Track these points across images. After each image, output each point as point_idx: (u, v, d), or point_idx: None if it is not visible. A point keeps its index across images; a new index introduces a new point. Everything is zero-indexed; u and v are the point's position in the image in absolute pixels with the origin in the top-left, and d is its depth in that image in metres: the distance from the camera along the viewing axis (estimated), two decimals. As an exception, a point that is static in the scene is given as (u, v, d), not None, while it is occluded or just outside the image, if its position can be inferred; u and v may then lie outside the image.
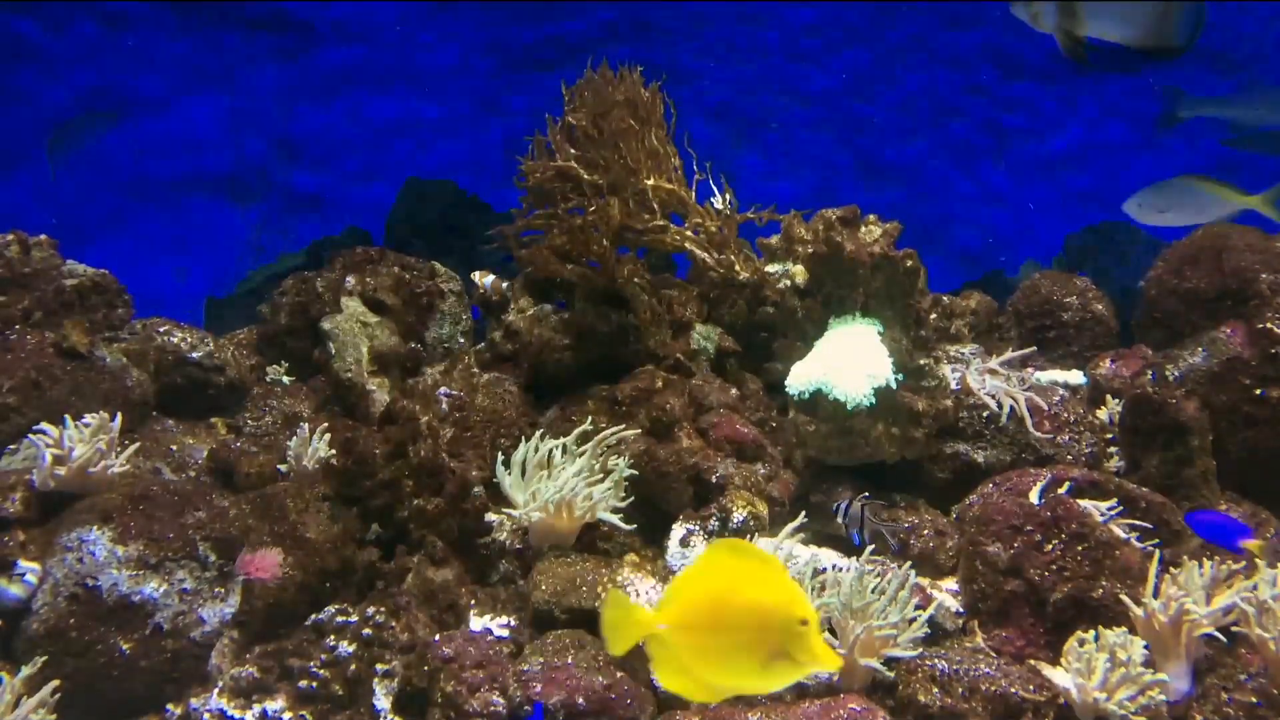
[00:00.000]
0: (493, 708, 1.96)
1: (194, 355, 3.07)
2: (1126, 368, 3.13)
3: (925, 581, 2.47)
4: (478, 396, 2.81)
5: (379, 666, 2.11)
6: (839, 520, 2.49)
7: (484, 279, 3.20)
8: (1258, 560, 2.24)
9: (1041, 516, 2.29)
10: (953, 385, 2.83)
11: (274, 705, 2.03)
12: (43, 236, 3.09)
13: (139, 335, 3.06)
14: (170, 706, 2.14)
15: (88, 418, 2.45)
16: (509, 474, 2.46)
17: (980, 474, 2.73)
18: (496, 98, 8.12)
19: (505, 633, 2.24)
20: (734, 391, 2.95)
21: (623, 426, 2.58)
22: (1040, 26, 2.63)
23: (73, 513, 2.27)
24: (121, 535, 2.19)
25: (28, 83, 7.47)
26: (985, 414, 2.78)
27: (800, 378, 2.70)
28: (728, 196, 3.09)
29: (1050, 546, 2.24)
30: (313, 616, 2.18)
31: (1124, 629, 2.08)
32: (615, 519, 2.42)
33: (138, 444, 2.58)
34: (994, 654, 2.19)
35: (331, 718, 2.04)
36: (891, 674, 2.09)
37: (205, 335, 3.17)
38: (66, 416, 2.44)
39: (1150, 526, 2.43)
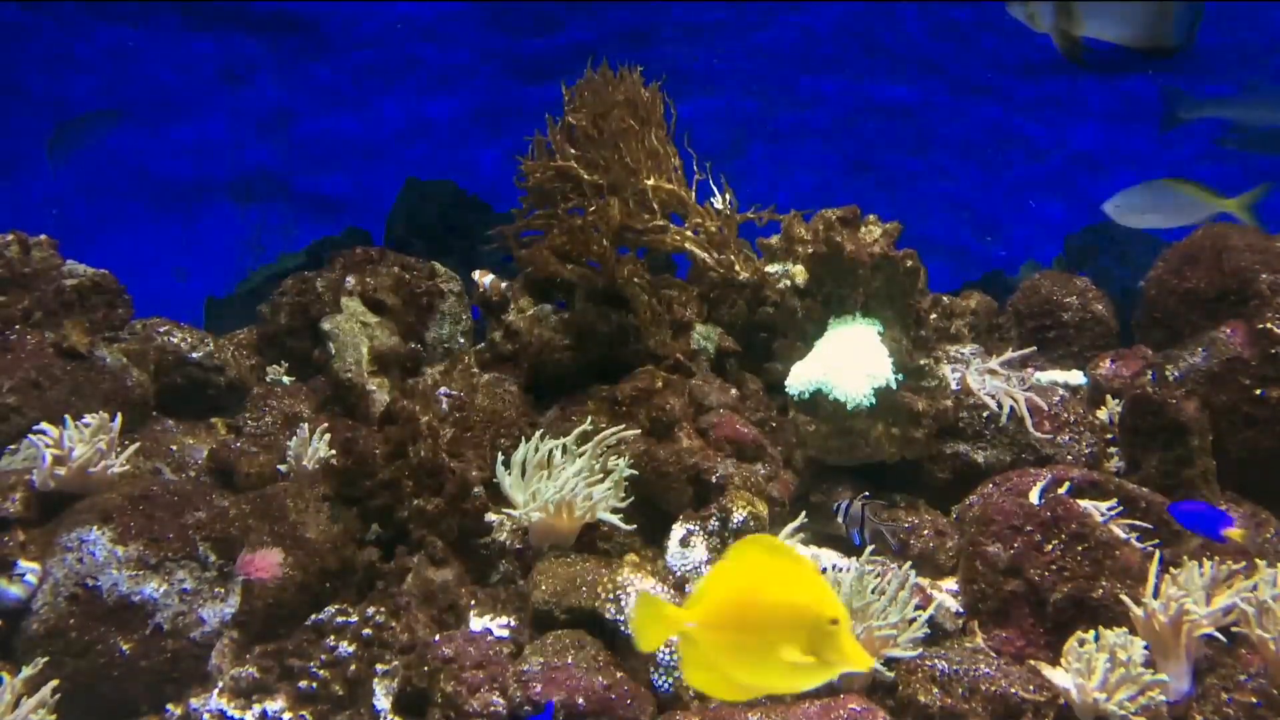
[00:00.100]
0: (492, 708, 1.96)
1: (194, 355, 3.07)
2: (1126, 368, 3.13)
3: (925, 581, 2.47)
4: (478, 396, 2.81)
5: (379, 666, 2.11)
6: (839, 520, 2.49)
7: (484, 278, 3.20)
8: (1257, 560, 2.24)
9: (1041, 517, 2.29)
10: (953, 385, 2.83)
11: (274, 705, 2.03)
12: (43, 236, 3.09)
13: (139, 335, 3.06)
14: (170, 706, 2.14)
15: (88, 418, 2.45)
16: (509, 474, 2.46)
17: (980, 474, 2.73)
18: (499, 99, 8.12)
19: (505, 633, 2.24)
20: (734, 391, 2.95)
21: (622, 426, 2.58)
22: (1037, 27, 2.63)
23: (73, 513, 2.27)
24: (121, 535, 2.19)
25: (30, 81, 7.48)
26: (985, 414, 2.78)
27: (800, 378, 2.70)
28: (728, 196, 3.09)
29: (1050, 547, 2.24)
30: (313, 616, 2.18)
31: (1124, 629, 2.08)
32: (615, 519, 2.42)
33: (138, 444, 2.58)
34: (994, 654, 2.19)
35: (331, 718, 2.04)
36: (891, 674, 2.09)
37: (205, 335, 3.17)
38: (66, 417, 2.44)
39: (1150, 527, 2.43)
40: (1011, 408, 2.75)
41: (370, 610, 2.17)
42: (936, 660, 2.08)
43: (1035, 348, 3.22)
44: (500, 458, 2.51)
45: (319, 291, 3.32)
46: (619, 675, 2.04)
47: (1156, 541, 2.39)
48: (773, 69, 8.12)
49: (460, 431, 2.68)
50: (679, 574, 2.43)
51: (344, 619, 2.14)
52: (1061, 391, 2.98)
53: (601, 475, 2.47)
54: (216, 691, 2.06)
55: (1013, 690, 2.02)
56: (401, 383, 3.08)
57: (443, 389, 2.78)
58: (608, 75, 3.00)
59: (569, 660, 2.03)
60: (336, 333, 3.15)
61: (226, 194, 8.48)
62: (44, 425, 2.40)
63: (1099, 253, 5.00)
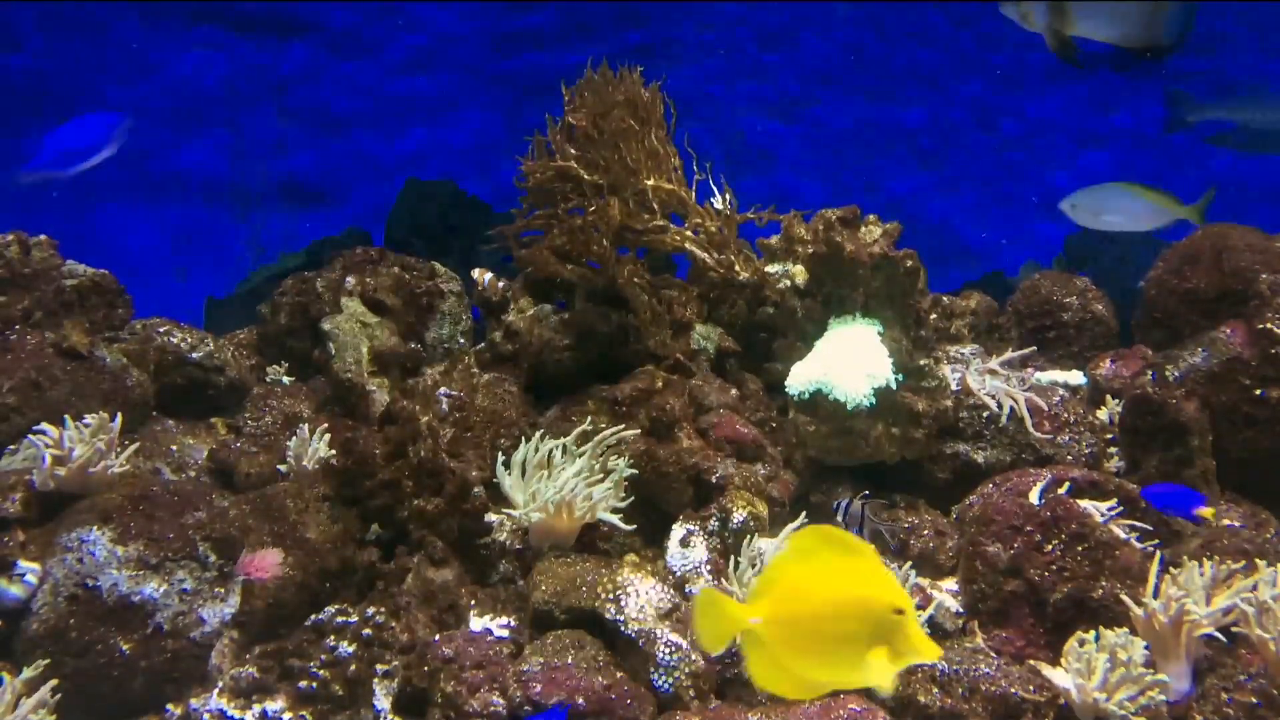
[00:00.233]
0: (492, 708, 1.96)
1: (194, 355, 3.07)
2: (1126, 368, 3.13)
3: (925, 581, 2.47)
4: (478, 397, 2.81)
5: (379, 667, 2.11)
6: (838, 519, 2.49)
7: (483, 276, 3.20)
8: (1257, 560, 2.24)
9: (1041, 517, 2.29)
10: (953, 385, 2.83)
11: (274, 705, 2.03)
12: (43, 236, 3.09)
13: (139, 335, 3.06)
14: (170, 707, 2.14)
15: (88, 418, 2.45)
16: (509, 474, 2.46)
17: (980, 474, 2.73)
18: (499, 99, 8.12)
19: (505, 633, 2.24)
20: (734, 391, 2.95)
21: (622, 426, 2.58)
22: (1030, 26, 2.62)
23: (73, 513, 2.27)
24: (121, 535, 2.19)
25: (28, 79, 7.47)
26: (985, 414, 2.78)
27: (800, 378, 2.70)
28: (728, 197, 3.09)
29: (1050, 547, 2.24)
30: (313, 617, 2.18)
31: (1124, 629, 2.08)
32: (615, 519, 2.42)
33: (138, 444, 2.58)
34: (994, 654, 2.19)
35: (331, 718, 2.04)
36: (891, 674, 2.09)
37: (205, 335, 3.17)
38: (66, 417, 2.44)
39: (1150, 527, 2.43)
40: (1011, 408, 2.75)
41: (370, 610, 2.17)
42: (936, 660, 2.08)
43: (1035, 348, 3.22)
44: (500, 458, 2.51)
45: (319, 291, 3.32)
46: (619, 675, 2.04)
47: (1156, 541, 2.40)
48: (773, 67, 8.12)
49: (460, 431, 2.68)
50: (679, 574, 2.43)
51: (344, 619, 2.14)
52: (1061, 391, 2.98)
53: (601, 475, 2.47)
54: (216, 691, 2.06)
55: (1013, 690, 2.02)
56: (401, 383, 3.08)
57: (443, 389, 2.78)
58: (608, 75, 3.00)
59: (569, 660, 2.04)
60: (336, 333, 3.15)
61: (227, 194, 8.48)
62: (44, 425, 2.40)
63: (1099, 253, 4.99)
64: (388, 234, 5.38)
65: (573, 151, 2.95)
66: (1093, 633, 2.07)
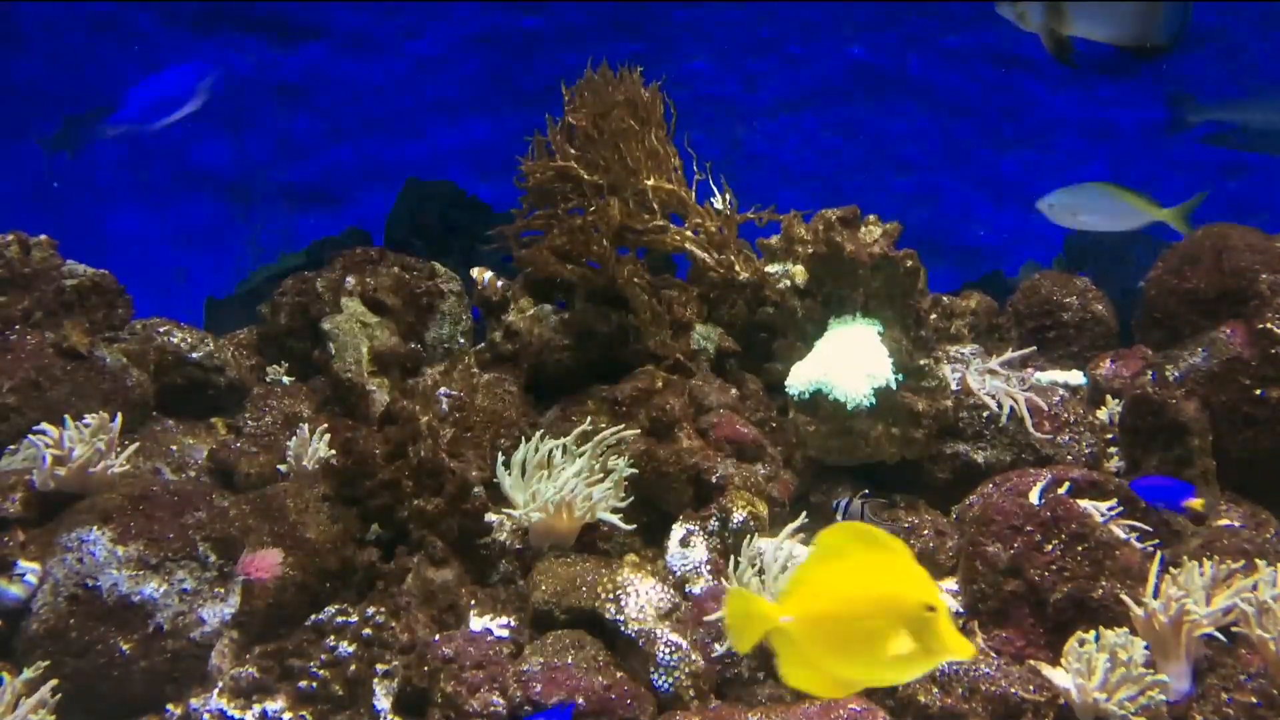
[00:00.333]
0: (492, 708, 1.96)
1: (194, 355, 3.07)
2: (1126, 368, 3.13)
3: (925, 582, 2.47)
4: (478, 397, 2.81)
5: (379, 667, 2.11)
6: (838, 518, 2.49)
7: (482, 275, 3.20)
8: (1257, 561, 2.24)
9: (1041, 517, 2.29)
10: (953, 385, 2.83)
11: (274, 705, 2.03)
12: (43, 237, 3.09)
13: (139, 335, 3.06)
14: (170, 707, 2.14)
15: (88, 418, 2.45)
16: (509, 474, 2.46)
17: (980, 474, 2.73)
18: (500, 100, 8.12)
19: (505, 633, 2.24)
20: (734, 392, 2.95)
21: (622, 427, 2.58)
22: (1026, 26, 2.62)
23: (73, 513, 2.27)
24: (121, 535, 2.19)
25: (28, 78, 7.47)
26: (985, 414, 2.78)
27: (800, 378, 2.70)
28: (728, 197, 3.09)
29: (1050, 547, 2.24)
30: (313, 617, 2.18)
31: (1124, 629, 2.08)
32: (615, 519, 2.42)
33: (137, 444, 2.58)
34: (994, 654, 2.19)
35: (331, 718, 2.04)
36: (891, 674, 2.09)
37: (205, 335, 3.17)
38: (66, 417, 2.44)
39: (1149, 529, 2.43)
40: (1011, 408, 2.75)
41: (370, 610, 2.17)
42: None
43: (1035, 348, 3.22)
44: (500, 458, 2.51)
45: (319, 291, 3.32)
46: (619, 675, 2.04)
47: (1156, 542, 2.40)
48: (773, 68, 8.12)
49: (460, 431, 2.68)
50: (679, 574, 2.43)
51: (344, 619, 2.14)
52: (1061, 391, 2.98)
53: (601, 475, 2.47)
54: (216, 691, 2.06)
55: (1013, 690, 2.02)
56: (401, 383, 3.08)
57: (443, 389, 2.78)
58: (608, 75, 3.00)
59: (569, 660, 2.04)
60: (336, 333, 3.15)
61: (227, 194, 8.47)
62: (44, 425, 2.40)
63: (1099, 253, 4.99)
64: (388, 234, 5.38)
65: (573, 152, 2.95)
66: (1093, 633, 2.07)
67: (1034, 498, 2.40)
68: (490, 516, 2.49)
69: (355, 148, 8.47)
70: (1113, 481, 2.55)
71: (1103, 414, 3.04)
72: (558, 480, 2.39)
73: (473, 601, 2.33)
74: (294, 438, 2.69)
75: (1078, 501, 2.34)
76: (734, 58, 7.99)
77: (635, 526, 2.46)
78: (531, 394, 2.96)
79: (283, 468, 2.70)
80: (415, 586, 2.28)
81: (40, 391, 2.69)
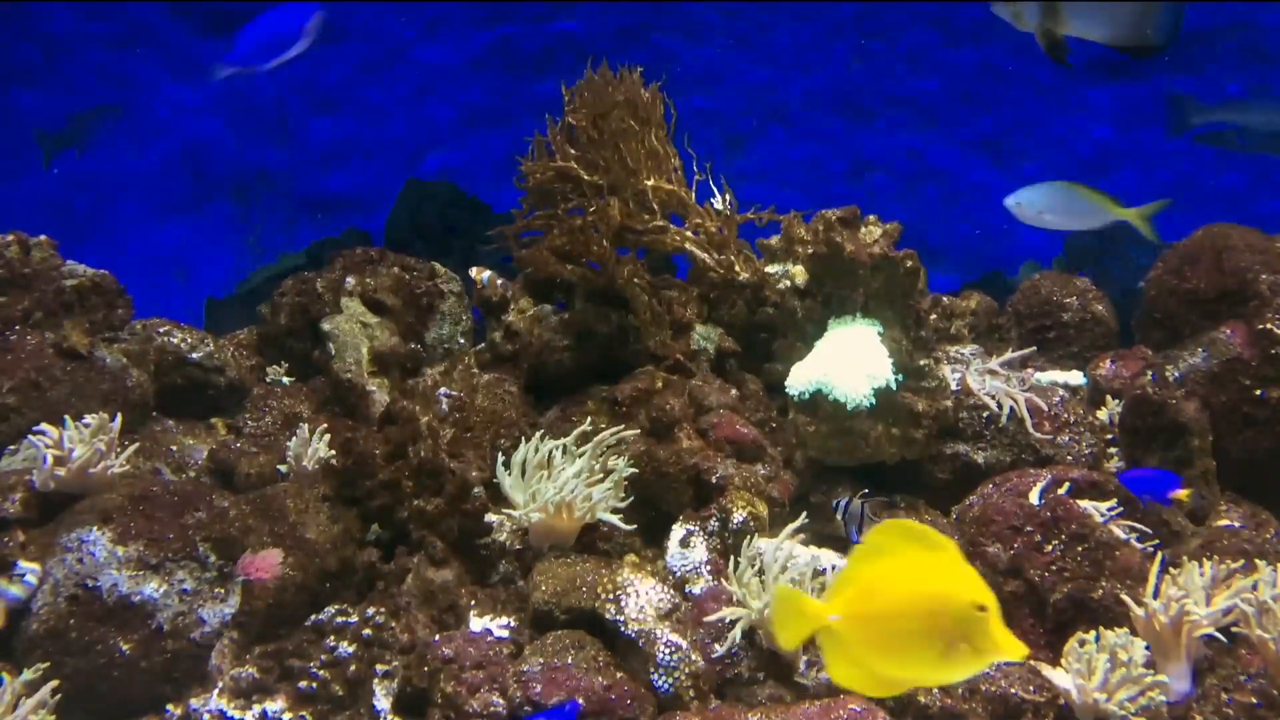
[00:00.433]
0: (492, 708, 1.96)
1: (194, 356, 3.07)
2: (1126, 368, 3.13)
3: (925, 582, 2.47)
4: (478, 397, 2.81)
5: (379, 667, 2.11)
6: (838, 517, 2.49)
7: (480, 274, 3.20)
8: (1257, 561, 2.24)
9: (1041, 517, 2.29)
10: (953, 386, 2.83)
11: (274, 706, 2.03)
12: (43, 237, 3.09)
13: (139, 336, 3.06)
14: (170, 707, 2.14)
15: (88, 418, 2.45)
16: (509, 474, 2.46)
17: (980, 475, 2.73)
18: (499, 100, 8.12)
19: (505, 633, 2.24)
20: (734, 392, 2.95)
21: (622, 427, 2.58)
22: (1021, 25, 2.62)
23: (73, 513, 2.27)
24: (121, 536, 2.19)
25: (27, 77, 7.47)
26: (985, 414, 2.78)
27: (800, 378, 2.70)
28: (728, 197, 3.09)
29: (1050, 547, 2.24)
30: (313, 617, 2.18)
31: (1124, 630, 2.08)
32: (615, 519, 2.42)
33: (137, 444, 2.58)
34: (994, 654, 2.19)
35: (331, 718, 2.04)
36: (891, 674, 2.08)
37: (205, 336, 3.17)
38: (66, 417, 2.44)
39: (1149, 530, 2.43)
40: (1011, 408, 2.75)
41: (370, 610, 2.17)
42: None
43: (1035, 348, 3.22)
44: (500, 458, 2.51)
45: (319, 292, 3.32)
46: (619, 675, 2.04)
47: (1156, 542, 2.40)
48: (771, 67, 8.12)
49: (460, 432, 2.68)
50: (679, 574, 2.43)
51: (344, 619, 2.14)
52: (1061, 392, 2.98)
53: (601, 476, 2.47)
54: (216, 692, 2.06)
55: (1013, 690, 2.02)
56: (401, 383, 3.08)
57: (443, 389, 2.78)
58: (607, 75, 3.00)
59: (569, 660, 2.04)
60: (336, 333, 3.15)
61: (226, 194, 8.48)
62: (44, 426, 2.40)
63: (1099, 253, 4.99)
64: (388, 234, 5.39)
65: (573, 152, 2.95)
66: (1093, 633, 2.07)
67: (1034, 498, 2.40)
68: (490, 517, 2.49)
69: (357, 147, 8.47)
70: (1113, 482, 2.55)
71: (1103, 414, 3.04)
72: (558, 480, 2.39)
73: (473, 602, 2.33)
74: (294, 438, 2.69)
75: (1078, 502, 2.34)
76: (731, 53, 7.99)
77: (635, 527, 2.46)
78: (531, 394, 2.96)
79: (283, 468, 2.70)
80: (415, 587, 2.28)
81: (40, 392, 2.69)
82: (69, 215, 7.82)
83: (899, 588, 1.26)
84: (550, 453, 2.48)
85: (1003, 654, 1.24)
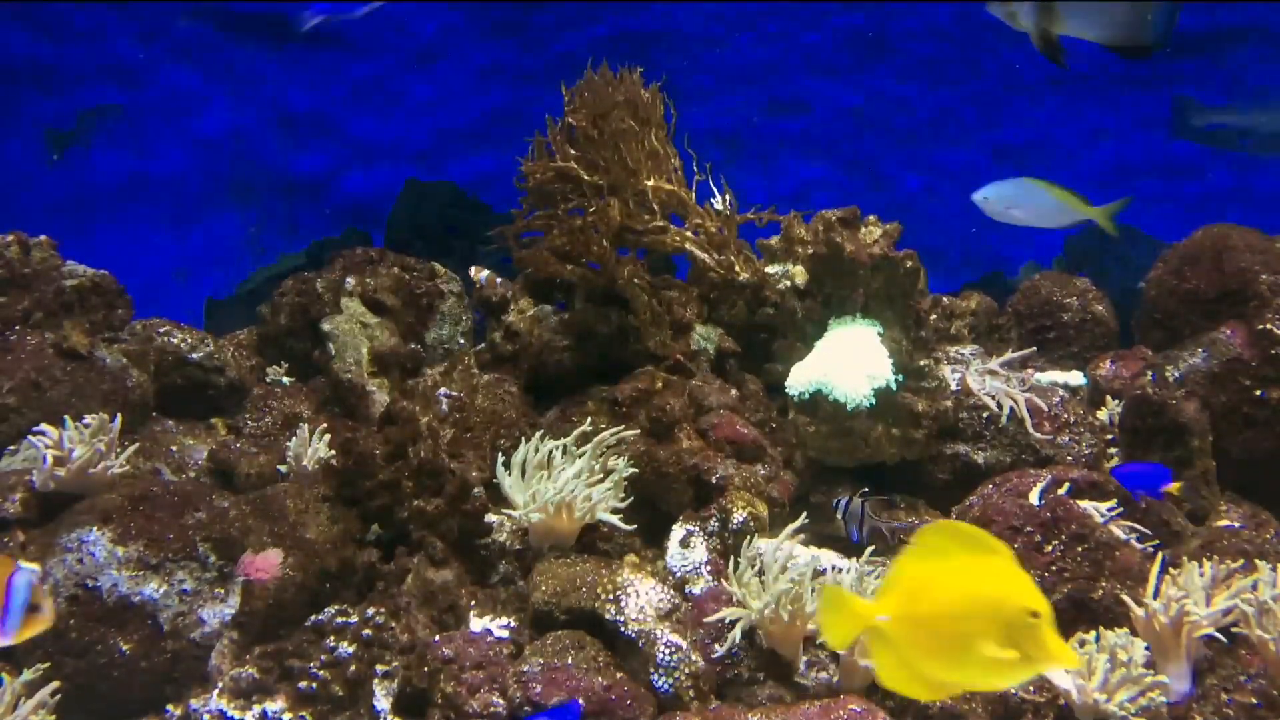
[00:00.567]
0: (492, 708, 1.96)
1: (194, 356, 3.07)
2: (1126, 369, 3.13)
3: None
4: (478, 397, 2.81)
5: (379, 667, 2.11)
6: (839, 517, 2.49)
7: (479, 274, 3.20)
8: (1257, 561, 2.24)
9: (1041, 517, 2.29)
10: (953, 386, 2.83)
11: (274, 706, 2.03)
12: (43, 237, 3.09)
13: (139, 336, 3.06)
14: (170, 707, 2.14)
15: (87, 418, 2.45)
16: (509, 475, 2.46)
17: (980, 475, 2.73)
18: (499, 99, 8.13)
19: (505, 633, 2.24)
20: (734, 392, 2.95)
21: (622, 427, 2.58)
22: (1017, 25, 2.62)
23: (73, 513, 2.27)
24: (121, 536, 2.19)
25: (27, 77, 7.47)
26: (985, 415, 2.78)
27: (800, 378, 2.70)
28: (728, 197, 3.09)
29: (1050, 547, 2.24)
30: (313, 617, 2.18)
31: (1124, 630, 2.07)
32: (615, 520, 2.42)
33: (137, 444, 2.58)
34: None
35: (331, 718, 2.04)
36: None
37: (205, 336, 3.17)
38: (66, 417, 2.45)
39: (1148, 531, 2.43)
40: (1011, 408, 2.75)
41: (370, 611, 2.17)
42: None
43: (1035, 348, 3.22)
44: (500, 458, 2.51)
45: (319, 292, 3.32)
46: (619, 676, 2.04)
47: (1156, 542, 2.40)
48: (772, 69, 8.13)
49: (460, 432, 2.68)
50: (679, 574, 2.43)
51: (344, 619, 2.14)
52: (1061, 392, 2.98)
53: (601, 476, 2.47)
54: (216, 692, 2.06)
55: (1013, 690, 2.02)
56: (401, 383, 3.08)
57: (443, 390, 2.78)
58: (608, 76, 3.00)
59: (569, 661, 2.03)
60: (336, 333, 3.15)
61: (227, 194, 8.48)
62: (44, 426, 2.40)
63: (1099, 254, 5.00)
64: (388, 234, 5.39)
65: (573, 152, 2.95)
66: (1093, 633, 2.07)
67: (1034, 498, 2.40)
68: (490, 517, 2.49)
69: (357, 148, 8.48)
70: (1113, 482, 2.55)
71: (1103, 415, 3.04)
72: (558, 481, 2.39)
73: (473, 602, 2.33)
74: (294, 438, 2.69)
75: (1078, 502, 2.34)
76: (731, 52, 8.00)
77: (635, 527, 2.46)
78: (531, 394, 2.96)
79: (283, 468, 2.70)
80: (415, 587, 2.28)
81: (40, 392, 2.69)
82: (70, 215, 7.81)
83: (950, 590, 1.24)
84: (550, 453, 2.48)
85: (1055, 663, 1.22)
